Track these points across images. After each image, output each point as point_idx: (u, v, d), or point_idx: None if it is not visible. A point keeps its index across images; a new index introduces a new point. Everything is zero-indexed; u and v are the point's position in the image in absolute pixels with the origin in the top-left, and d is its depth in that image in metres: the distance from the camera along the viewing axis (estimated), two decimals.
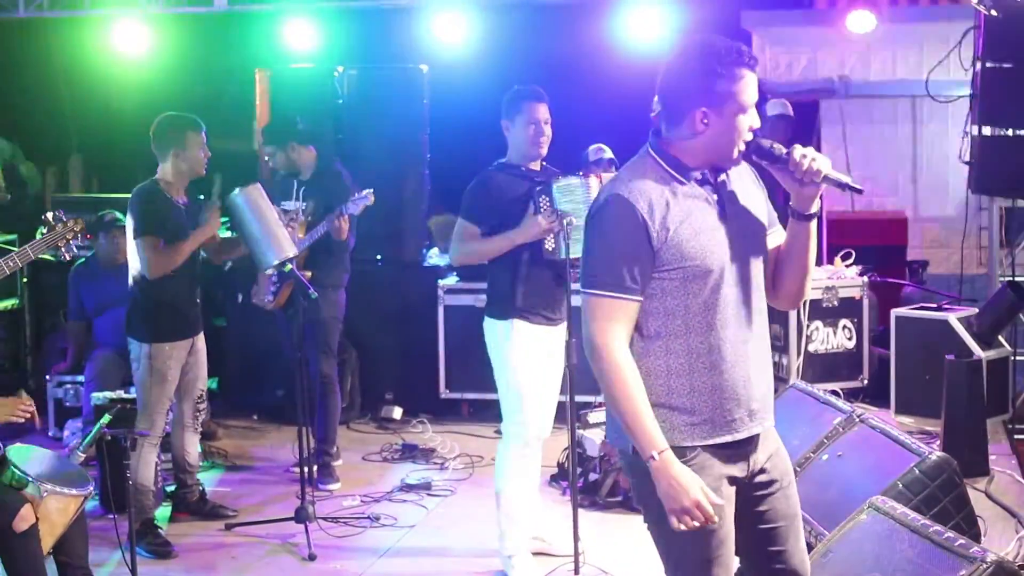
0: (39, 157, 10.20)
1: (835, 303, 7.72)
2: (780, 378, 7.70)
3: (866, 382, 7.75)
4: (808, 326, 7.63)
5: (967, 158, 6.59)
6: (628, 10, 8.63)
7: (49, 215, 4.98)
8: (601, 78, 8.91)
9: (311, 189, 6.59)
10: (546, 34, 8.97)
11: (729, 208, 3.07)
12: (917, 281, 8.44)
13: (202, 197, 5.93)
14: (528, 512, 5.23)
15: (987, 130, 6.38)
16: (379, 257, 7.98)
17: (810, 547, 4.83)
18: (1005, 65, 6.28)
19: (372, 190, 6.29)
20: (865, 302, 7.79)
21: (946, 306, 7.24)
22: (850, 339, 7.76)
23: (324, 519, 5.78)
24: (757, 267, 3.11)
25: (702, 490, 2.92)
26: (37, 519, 4.42)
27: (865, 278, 7.83)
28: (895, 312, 7.30)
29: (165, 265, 5.46)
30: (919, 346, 7.05)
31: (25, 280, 8.24)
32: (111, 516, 5.34)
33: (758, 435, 3.10)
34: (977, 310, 7.09)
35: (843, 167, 9.32)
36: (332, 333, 6.63)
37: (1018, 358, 7.08)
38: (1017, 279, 6.95)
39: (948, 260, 9.15)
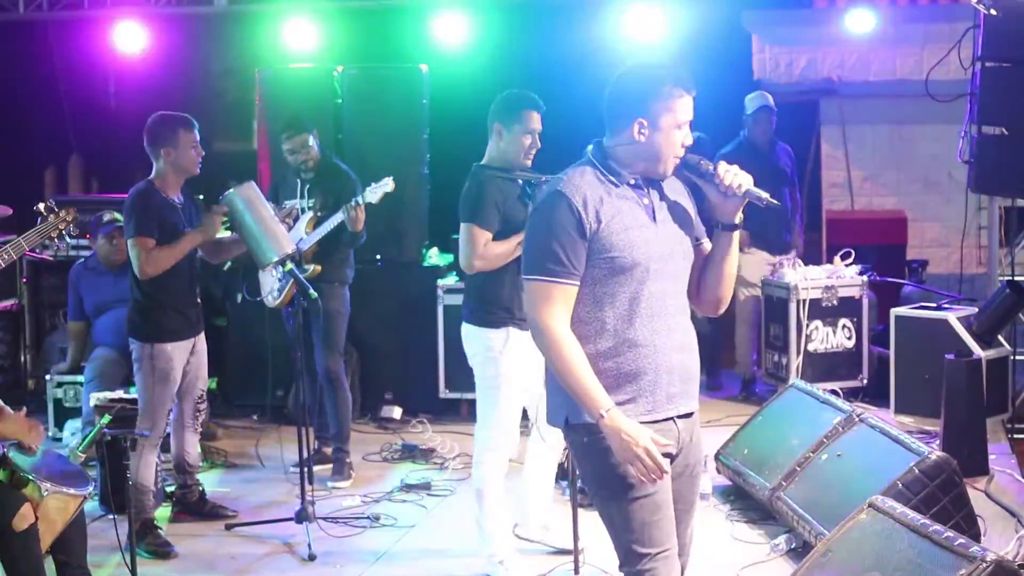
0: (39, 157, 10.21)
1: (835, 302, 7.72)
2: (780, 378, 7.71)
3: (866, 381, 7.76)
4: (808, 326, 7.63)
5: (966, 157, 6.59)
6: (629, 10, 8.63)
7: (41, 206, 4.98)
8: (601, 78, 8.87)
9: (316, 185, 6.58)
10: (546, 34, 8.97)
11: (659, 213, 3.39)
12: (917, 280, 8.44)
13: (201, 197, 5.93)
14: (538, 503, 5.32)
15: (987, 129, 6.38)
16: (379, 257, 7.97)
17: (810, 547, 4.85)
18: (1004, 65, 6.28)
19: (392, 177, 6.28)
20: (865, 301, 7.79)
21: (946, 305, 7.23)
22: (850, 338, 7.76)
23: (324, 519, 5.77)
24: (683, 267, 3.43)
25: (651, 439, 3.20)
26: (37, 518, 4.43)
27: (865, 277, 7.83)
28: (895, 311, 7.30)
29: (156, 266, 5.44)
30: (919, 346, 7.04)
31: (25, 280, 8.24)
32: (111, 516, 5.34)
33: (684, 416, 3.40)
34: (977, 309, 7.08)
35: (843, 166, 9.33)
36: (338, 329, 6.60)
37: (1018, 358, 7.08)
38: (1017, 278, 6.95)
39: (948, 259, 9.16)
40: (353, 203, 6.24)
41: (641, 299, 3.30)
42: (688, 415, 3.43)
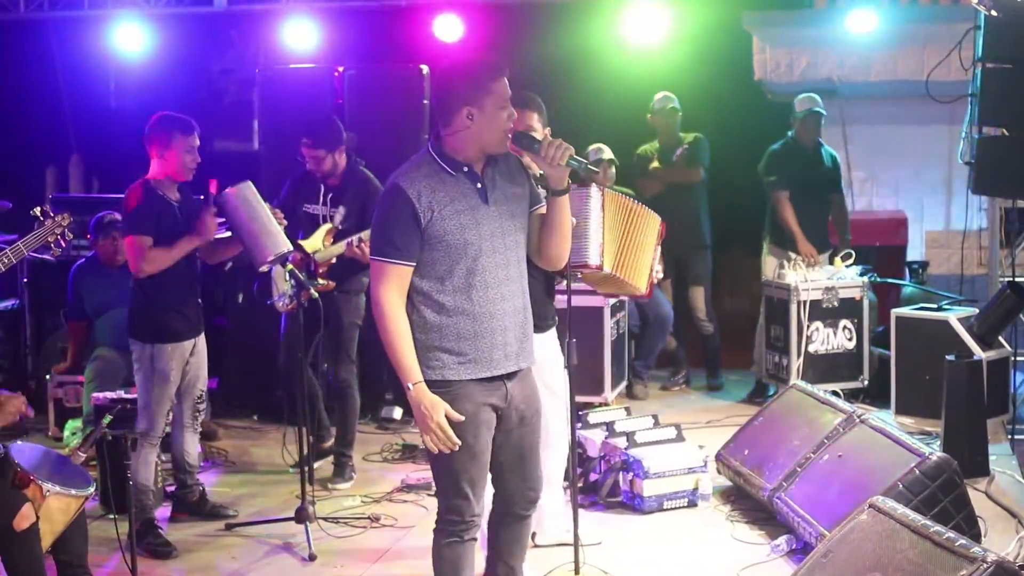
0: (39, 157, 10.21)
1: (835, 303, 7.72)
2: (780, 379, 7.70)
3: (866, 382, 7.76)
4: (808, 327, 7.63)
5: (967, 158, 6.58)
6: (628, 10, 8.64)
7: (37, 210, 5.01)
8: (601, 78, 8.91)
9: (341, 194, 6.44)
10: (546, 34, 8.98)
11: (491, 195, 3.81)
12: (917, 281, 8.44)
13: (202, 197, 5.92)
14: (553, 508, 5.27)
15: (987, 130, 6.38)
16: None
17: (810, 547, 4.85)
18: (1005, 65, 6.28)
19: None
20: (865, 302, 7.79)
21: (946, 306, 7.23)
22: (850, 339, 7.76)
23: (324, 519, 5.78)
24: (517, 240, 3.86)
25: (446, 414, 3.70)
26: (38, 518, 4.43)
27: (865, 278, 7.83)
28: (895, 312, 7.29)
29: (152, 266, 5.44)
30: (919, 347, 7.04)
31: (25, 280, 8.23)
32: (111, 516, 5.34)
33: (514, 372, 3.87)
34: (977, 310, 7.08)
35: (843, 167, 9.32)
36: (351, 338, 6.55)
37: (1018, 358, 7.08)
38: (1017, 279, 6.94)
39: (948, 260, 9.15)
40: (356, 239, 6.16)
41: (476, 273, 3.75)
42: (519, 371, 3.88)
